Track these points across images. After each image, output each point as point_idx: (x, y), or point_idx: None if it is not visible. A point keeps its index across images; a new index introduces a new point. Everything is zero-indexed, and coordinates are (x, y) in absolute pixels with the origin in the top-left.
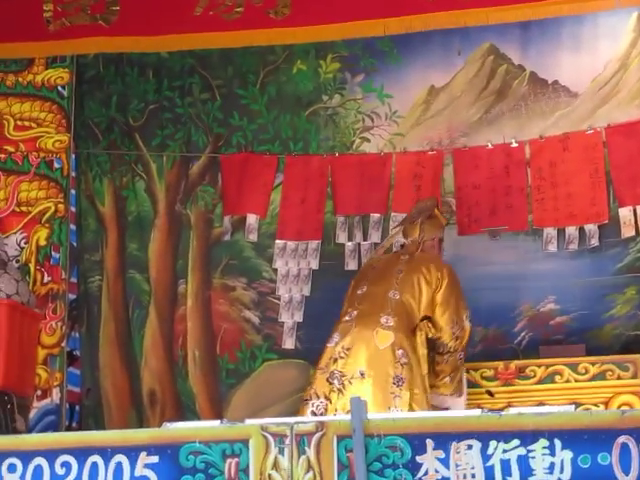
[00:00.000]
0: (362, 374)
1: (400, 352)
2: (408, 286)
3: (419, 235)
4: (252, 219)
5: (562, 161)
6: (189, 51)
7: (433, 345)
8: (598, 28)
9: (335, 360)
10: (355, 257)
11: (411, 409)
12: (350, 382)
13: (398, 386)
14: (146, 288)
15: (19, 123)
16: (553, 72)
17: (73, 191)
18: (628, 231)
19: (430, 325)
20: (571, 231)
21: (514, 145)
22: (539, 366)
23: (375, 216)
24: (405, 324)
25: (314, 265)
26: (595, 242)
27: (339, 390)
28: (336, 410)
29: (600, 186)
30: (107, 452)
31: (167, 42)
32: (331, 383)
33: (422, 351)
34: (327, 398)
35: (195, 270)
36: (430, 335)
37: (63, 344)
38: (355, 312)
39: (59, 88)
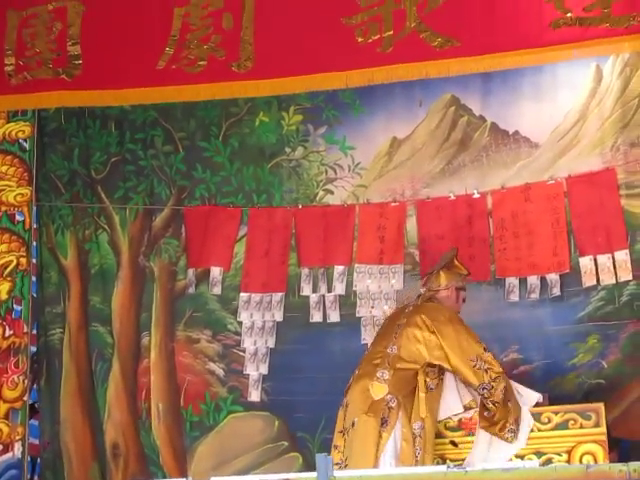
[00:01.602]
0: (353, 424)
1: (389, 397)
2: (404, 339)
3: (434, 284)
4: (216, 272)
5: (524, 211)
6: (152, 104)
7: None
8: (558, 78)
9: (343, 417)
10: (320, 309)
11: (400, 448)
12: (347, 434)
13: (383, 428)
14: (109, 341)
15: None
16: (514, 122)
17: (35, 243)
18: (589, 280)
19: (452, 372)
20: (533, 280)
21: (476, 196)
22: None
23: (339, 268)
24: (402, 375)
25: (279, 317)
26: (557, 291)
27: (335, 447)
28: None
29: (562, 236)
30: None
31: (130, 96)
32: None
33: (421, 395)
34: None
35: (159, 323)
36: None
37: (25, 397)
38: (357, 371)
39: (21, 141)
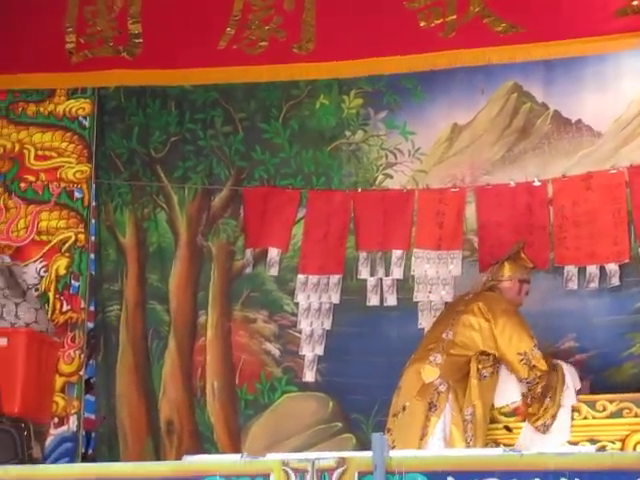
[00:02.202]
0: (404, 408)
1: (438, 381)
2: (461, 325)
3: (498, 274)
4: (274, 253)
5: (584, 200)
6: (213, 84)
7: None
8: (621, 68)
9: (396, 402)
10: (377, 292)
11: (450, 432)
12: (396, 417)
13: (431, 412)
14: (166, 319)
15: (40, 153)
16: (576, 111)
17: (93, 221)
18: None
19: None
20: (592, 270)
21: (537, 184)
22: None
23: (397, 252)
24: (454, 361)
25: (335, 299)
26: (616, 281)
27: (388, 430)
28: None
29: (622, 226)
30: None
31: (190, 76)
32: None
33: (473, 381)
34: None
35: (216, 302)
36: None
37: (81, 372)
38: (413, 356)
39: (80, 119)
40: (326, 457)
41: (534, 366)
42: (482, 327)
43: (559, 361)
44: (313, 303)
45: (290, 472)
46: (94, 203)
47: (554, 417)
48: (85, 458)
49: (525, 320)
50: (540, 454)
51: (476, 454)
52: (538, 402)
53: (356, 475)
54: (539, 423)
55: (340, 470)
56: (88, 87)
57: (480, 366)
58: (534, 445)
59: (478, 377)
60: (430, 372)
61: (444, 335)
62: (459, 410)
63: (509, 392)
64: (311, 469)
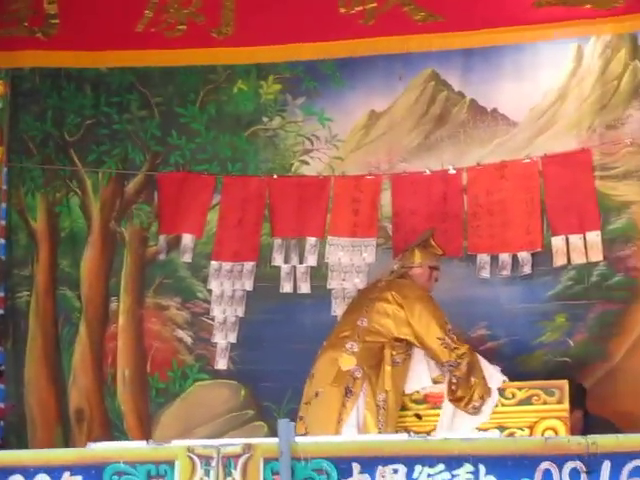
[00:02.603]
0: (317, 394)
1: (354, 367)
2: (375, 313)
3: (408, 261)
4: (188, 239)
5: (499, 189)
6: (129, 67)
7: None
8: (538, 58)
9: (309, 389)
10: (291, 280)
11: (364, 417)
12: (309, 404)
13: (347, 397)
14: (77, 305)
15: None
16: (493, 100)
17: (4, 205)
18: (560, 260)
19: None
20: (504, 258)
21: (452, 172)
22: None
23: (312, 239)
24: (369, 347)
25: (249, 286)
26: (527, 269)
27: (300, 418)
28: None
29: (535, 214)
30: (29, 471)
31: (107, 58)
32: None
33: (387, 368)
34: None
35: (128, 288)
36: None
37: None
38: (325, 343)
39: None
40: (232, 444)
41: (455, 347)
42: (396, 314)
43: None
44: (226, 290)
45: (195, 459)
46: (5, 187)
47: (483, 399)
48: None
49: (438, 305)
50: (445, 440)
51: (381, 440)
52: (465, 382)
53: (262, 461)
54: (469, 406)
55: (246, 456)
56: (2, 68)
57: (394, 352)
58: (455, 429)
59: (391, 363)
60: (347, 361)
61: (359, 322)
62: (373, 396)
63: (419, 378)
64: (217, 455)
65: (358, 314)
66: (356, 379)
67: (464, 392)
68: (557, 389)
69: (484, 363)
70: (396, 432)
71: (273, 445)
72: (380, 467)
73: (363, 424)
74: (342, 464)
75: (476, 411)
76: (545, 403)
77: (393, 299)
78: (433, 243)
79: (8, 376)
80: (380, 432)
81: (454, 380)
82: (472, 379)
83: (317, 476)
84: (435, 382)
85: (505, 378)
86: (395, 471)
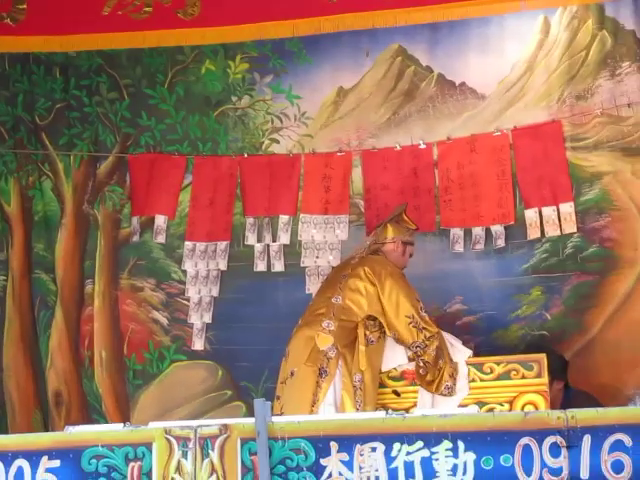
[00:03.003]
0: (292, 373)
1: (327, 347)
2: (348, 290)
3: (381, 236)
4: (160, 220)
5: (469, 162)
6: (97, 50)
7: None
8: (505, 30)
9: (284, 368)
10: (264, 258)
11: (340, 397)
12: (284, 384)
13: (322, 378)
14: (52, 288)
15: None
16: (461, 74)
17: None
18: (534, 232)
19: (386, 327)
20: (477, 232)
21: (422, 146)
22: None
23: (284, 217)
24: (344, 326)
25: (223, 266)
26: (501, 243)
27: (277, 397)
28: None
29: (507, 187)
30: (7, 456)
31: (75, 42)
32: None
33: (361, 347)
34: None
35: (102, 270)
36: (390, 335)
37: None
38: (300, 321)
39: None
40: (209, 424)
41: (423, 328)
42: (368, 291)
43: None
44: (201, 270)
45: (172, 440)
46: None
47: (453, 377)
48: None
49: (410, 283)
50: (423, 416)
51: (358, 418)
52: (433, 366)
53: (239, 441)
54: (442, 388)
55: (223, 437)
56: None
57: (367, 332)
58: (438, 407)
59: (365, 343)
60: (324, 340)
61: (334, 300)
62: (349, 376)
63: (396, 356)
64: (194, 437)
65: (332, 291)
66: (330, 359)
67: (433, 375)
68: (535, 363)
69: (448, 338)
70: (376, 410)
71: (250, 425)
72: (358, 445)
73: (340, 404)
74: (320, 443)
75: (450, 391)
76: (524, 377)
77: (365, 275)
78: (406, 218)
79: None
80: (358, 412)
81: (421, 364)
82: (440, 362)
83: (295, 455)
84: (411, 360)
85: (470, 352)
86: (373, 449)
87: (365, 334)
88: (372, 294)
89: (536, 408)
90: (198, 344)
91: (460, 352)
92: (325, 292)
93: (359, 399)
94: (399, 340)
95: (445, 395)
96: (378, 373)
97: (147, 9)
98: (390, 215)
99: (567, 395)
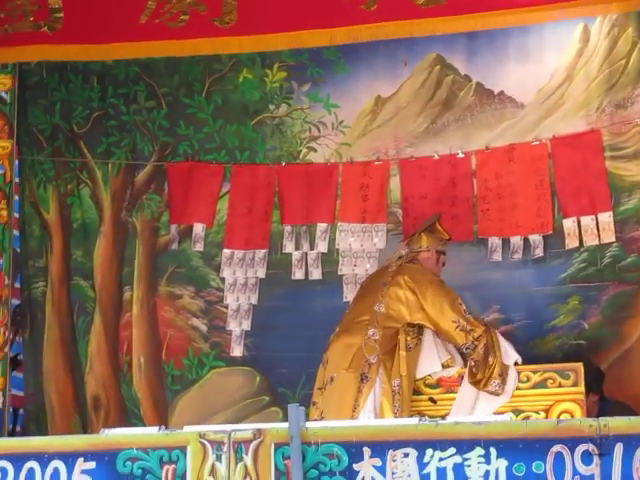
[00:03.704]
0: (332, 379)
1: (370, 355)
2: (388, 298)
3: (415, 245)
4: (199, 228)
5: (508, 172)
6: (134, 59)
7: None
8: (544, 39)
9: (322, 374)
10: (302, 266)
11: (380, 404)
12: (325, 390)
13: (363, 383)
14: (91, 295)
15: None
16: (499, 83)
17: (17, 197)
18: (572, 242)
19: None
20: (516, 241)
21: (460, 156)
22: None
23: (322, 225)
24: (387, 333)
25: (261, 274)
26: (539, 252)
27: (313, 403)
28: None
29: (545, 197)
30: (44, 458)
31: (112, 50)
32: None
33: (402, 353)
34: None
35: (141, 277)
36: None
37: (6, 349)
38: (338, 328)
39: (1, 94)
40: (243, 429)
41: (470, 329)
42: (408, 299)
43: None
44: (239, 278)
45: (207, 444)
46: (17, 179)
47: (502, 376)
48: (13, 434)
49: (450, 288)
50: (455, 423)
51: (392, 424)
52: (483, 364)
53: (272, 446)
54: (490, 385)
55: (257, 442)
56: (9, 62)
57: (408, 337)
58: (477, 412)
59: (405, 348)
60: (371, 349)
61: (376, 308)
62: (388, 382)
63: (430, 363)
64: (228, 441)
65: (373, 299)
66: (371, 365)
67: (482, 374)
68: (572, 372)
69: (501, 340)
70: (410, 417)
71: (284, 430)
72: (391, 451)
73: (380, 410)
74: (353, 448)
75: (498, 389)
76: (560, 386)
77: (405, 284)
78: (439, 228)
79: (26, 366)
80: (396, 417)
81: (472, 363)
82: (490, 359)
83: (328, 460)
84: (444, 367)
85: (517, 357)
86: (406, 455)
87: (406, 340)
88: (413, 302)
89: (572, 417)
90: (237, 351)
91: (509, 356)
92: (365, 300)
93: (397, 404)
94: (449, 342)
95: (492, 393)
96: (414, 379)
97: (184, 17)
98: (424, 224)
99: (603, 407)
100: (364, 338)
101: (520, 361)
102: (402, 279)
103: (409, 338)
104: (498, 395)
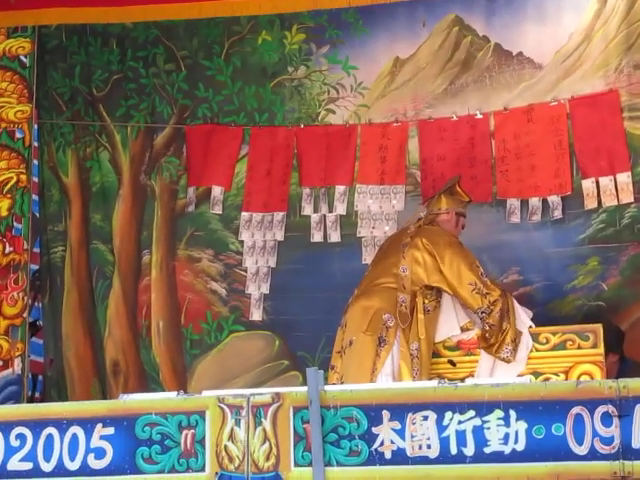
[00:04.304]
0: (350, 342)
1: (387, 316)
2: (410, 259)
3: (435, 207)
4: (217, 191)
5: (526, 133)
6: (153, 21)
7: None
8: (562, 0)
9: (341, 338)
10: (320, 229)
11: (398, 367)
12: (344, 353)
13: (381, 347)
14: (110, 258)
15: None
16: (517, 44)
17: (36, 162)
18: (591, 203)
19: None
20: (534, 202)
21: (479, 117)
22: None
23: (340, 188)
24: (405, 293)
25: (280, 237)
26: (558, 213)
27: (332, 367)
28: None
29: (564, 158)
30: (62, 424)
31: (131, 13)
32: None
33: (420, 316)
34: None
35: (160, 241)
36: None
37: (25, 314)
38: (356, 291)
39: (21, 58)
40: (261, 393)
41: (487, 293)
42: (426, 261)
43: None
44: (258, 241)
45: (225, 408)
46: (36, 143)
47: (515, 342)
48: (32, 401)
49: (468, 250)
50: (474, 386)
51: (411, 387)
52: (497, 329)
53: (291, 410)
54: (502, 351)
55: (275, 405)
56: (28, 26)
57: (426, 300)
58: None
59: (423, 311)
60: (404, 317)
61: (400, 271)
62: (406, 345)
63: (449, 326)
64: (246, 405)
65: (394, 261)
66: (389, 328)
67: (496, 338)
68: (591, 333)
69: (517, 306)
70: (430, 379)
71: (302, 394)
72: (410, 414)
73: (398, 373)
74: (372, 411)
75: (509, 356)
76: (580, 347)
77: (423, 246)
78: (459, 190)
79: (46, 331)
80: (415, 381)
81: (487, 327)
82: (504, 324)
83: (347, 424)
84: (463, 330)
85: (530, 323)
86: (425, 418)
87: (424, 303)
88: (430, 265)
89: (592, 378)
90: (256, 315)
91: (523, 323)
92: (384, 262)
93: (416, 367)
94: (466, 305)
95: (504, 360)
96: (433, 342)
97: None
98: (443, 186)
99: (623, 367)
100: (389, 303)
101: (534, 326)
102: (420, 241)
103: (427, 301)
104: (509, 362)
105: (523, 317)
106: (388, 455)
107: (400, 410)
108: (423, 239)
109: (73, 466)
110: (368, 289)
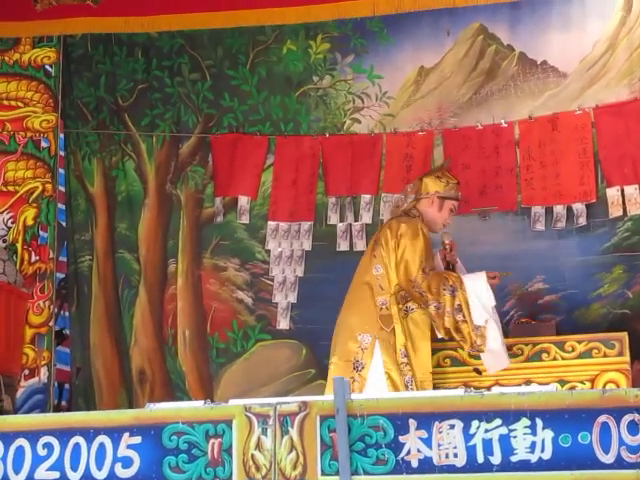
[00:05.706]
0: (329, 365)
1: (361, 337)
2: (378, 254)
3: (418, 192)
4: (244, 201)
5: (551, 141)
6: (178, 31)
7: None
8: (587, 7)
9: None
10: (347, 238)
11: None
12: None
13: (358, 371)
14: (136, 267)
15: (5, 103)
16: (542, 52)
17: (62, 171)
18: (615, 211)
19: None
20: (559, 210)
21: (504, 125)
22: (526, 344)
23: (366, 197)
24: (384, 294)
25: (307, 246)
26: (583, 221)
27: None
28: None
29: (588, 166)
30: (90, 433)
31: (156, 22)
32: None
33: (396, 325)
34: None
35: (185, 250)
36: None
37: (51, 323)
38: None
39: (46, 67)
40: (288, 402)
41: (422, 292)
42: (397, 245)
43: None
44: (284, 250)
45: (252, 417)
46: (62, 153)
47: (483, 336)
48: (58, 409)
49: (424, 244)
50: (501, 394)
51: (437, 395)
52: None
53: (318, 419)
54: (467, 347)
55: (302, 414)
56: (54, 35)
57: (400, 306)
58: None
59: (403, 317)
60: (388, 320)
61: (375, 271)
62: (394, 354)
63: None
64: (273, 414)
65: (367, 265)
66: (364, 349)
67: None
68: (617, 341)
69: (472, 301)
70: (428, 375)
71: (329, 403)
72: (437, 423)
73: (386, 387)
74: (398, 420)
75: (478, 347)
76: (605, 356)
77: (385, 238)
78: (444, 172)
79: (74, 340)
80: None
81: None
82: (458, 317)
83: (374, 432)
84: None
85: (489, 317)
86: (452, 427)
87: (399, 309)
88: (394, 256)
89: (617, 386)
90: (283, 323)
91: (480, 316)
92: (357, 273)
93: (408, 375)
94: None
95: (477, 352)
96: (424, 338)
97: None
98: (429, 171)
99: None
100: (364, 318)
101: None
102: (384, 234)
103: (410, 303)
104: (480, 353)
105: (480, 310)
106: (415, 464)
107: (427, 419)
108: (387, 231)
109: (100, 475)
110: (346, 304)
